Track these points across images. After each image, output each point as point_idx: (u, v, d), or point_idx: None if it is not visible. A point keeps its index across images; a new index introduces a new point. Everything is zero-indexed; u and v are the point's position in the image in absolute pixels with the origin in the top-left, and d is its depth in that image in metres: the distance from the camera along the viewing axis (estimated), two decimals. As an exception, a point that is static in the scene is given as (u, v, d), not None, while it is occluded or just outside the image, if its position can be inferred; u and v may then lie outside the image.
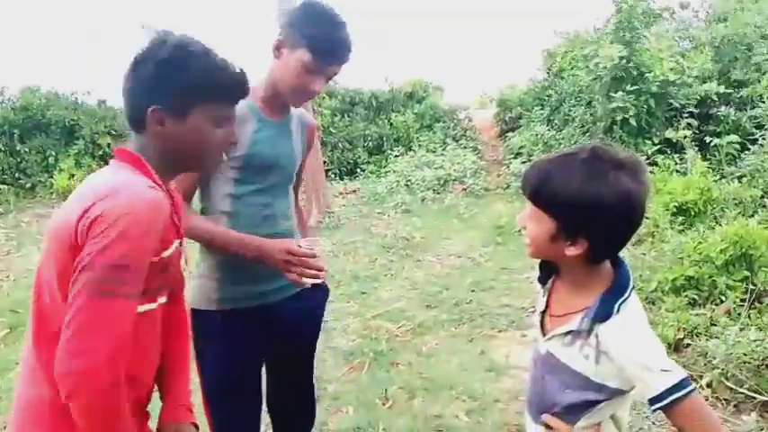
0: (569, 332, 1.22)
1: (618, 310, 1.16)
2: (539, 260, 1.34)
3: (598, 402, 1.22)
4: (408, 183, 9.07)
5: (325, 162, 9.01)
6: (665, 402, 1.10)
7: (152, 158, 1.26)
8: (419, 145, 10.65)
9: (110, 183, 1.16)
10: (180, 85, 1.22)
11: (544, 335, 1.30)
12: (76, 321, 1.06)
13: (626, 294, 1.18)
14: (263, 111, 1.78)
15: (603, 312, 1.17)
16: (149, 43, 1.25)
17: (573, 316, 1.22)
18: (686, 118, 6.95)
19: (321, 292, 1.98)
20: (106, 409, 1.10)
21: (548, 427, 1.27)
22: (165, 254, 1.22)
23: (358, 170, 10.73)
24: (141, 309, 1.19)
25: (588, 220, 1.14)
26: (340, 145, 10.86)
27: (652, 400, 1.12)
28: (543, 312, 1.33)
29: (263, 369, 1.97)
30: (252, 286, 1.78)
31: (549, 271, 1.34)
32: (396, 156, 10.42)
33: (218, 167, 1.54)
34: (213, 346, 1.77)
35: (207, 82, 1.24)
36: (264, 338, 1.81)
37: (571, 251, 1.17)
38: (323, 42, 1.65)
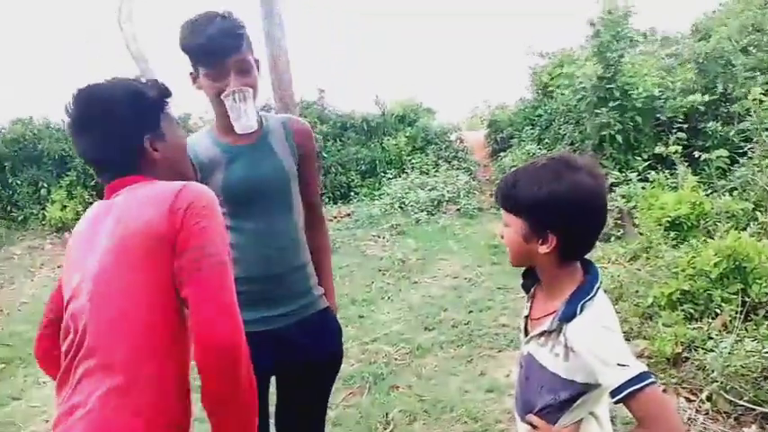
0: (542, 333, 1.32)
1: (581, 310, 1.26)
2: (523, 270, 1.45)
3: (572, 400, 1.29)
4: (402, 205, 9.10)
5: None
6: (622, 395, 1.18)
7: (153, 174, 1.37)
8: (412, 167, 10.70)
9: (170, 184, 1.29)
10: (148, 107, 1.36)
11: (526, 337, 1.41)
12: (223, 290, 1.19)
13: (591, 294, 1.28)
14: (228, 141, 1.77)
15: (569, 312, 1.27)
16: (80, 99, 1.32)
17: (547, 318, 1.33)
18: (675, 133, 7.03)
19: (330, 323, 1.97)
20: (248, 366, 1.20)
21: (533, 426, 1.35)
22: None
23: (351, 194, 10.76)
24: None
25: (553, 216, 1.26)
26: (333, 169, 10.89)
27: (612, 393, 1.20)
28: (527, 317, 1.44)
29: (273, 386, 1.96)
30: (257, 312, 1.77)
31: (532, 280, 1.44)
32: (389, 178, 10.46)
33: None
34: None
35: (158, 94, 1.37)
36: (269, 361, 1.77)
37: (543, 249, 1.28)
38: (204, 48, 1.66)
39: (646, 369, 1.20)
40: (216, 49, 1.66)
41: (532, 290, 1.45)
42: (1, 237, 9.68)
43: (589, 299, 1.27)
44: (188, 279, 1.19)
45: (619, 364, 1.19)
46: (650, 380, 1.19)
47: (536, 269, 1.39)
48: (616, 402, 1.21)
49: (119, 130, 1.32)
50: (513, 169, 1.38)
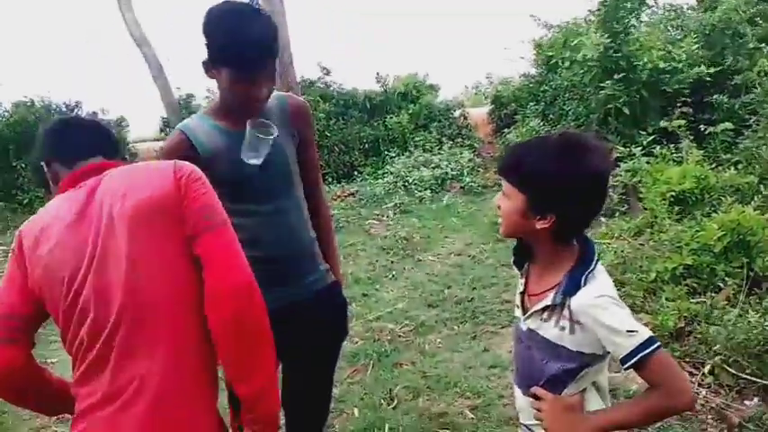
0: (545, 308, 1.33)
1: (585, 282, 1.27)
2: (514, 246, 1.46)
3: (578, 370, 1.32)
4: (406, 183, 9.08)
5: (321, 165, 8.99)
6: (634, 361, 1.21)
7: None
8: (415, 145, 10.66)
9: (165, 162, 1.38)
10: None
11: (524, 313, 1.40)
12: (221, 248, 1.28)
13: (591, 266, 1.29)
14: (228, 125, 1.75)
15: (572, 286, 1.28)
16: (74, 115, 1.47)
17: (547, 293, 1.33)
18: (680, 107, 6.96)
19: (336, 297, 1.99)
20: (266, 313, 1.30)
21: (536, 397, 1.36)
22: None
23: (355, 173, 10.75)
24: None
25: (558, 196, 1.25)
26: (336, 148, 10.87)
27: (623, 360, 1.22)
28: (523, 293, 1.44)
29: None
30: (265, 290, 1.77)
31: (523, 257, 1.45)
32: (392, 157, 10.43)
33: None
34: None
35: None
36: (276, 340, 1.77)
37: (540, 224, 1.28)
38: (239, 54, 1.59)
39: (652, 334, 1.23)
40: (252, 59, 1.61)
41: (526, 266, 1.44)
42: (6, 220, 9.74)
43: (590, 271, 1.28)
44: (201, 236, 1.26)
45: (628, 331, 1.21)
46: (658, 344, 1.22)
47: (529, 243, 1.39)
48: (626, 368, 1.24)
49: (111, 130, 1.57)
50: (521, 141, 1.37)
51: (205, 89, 11.58)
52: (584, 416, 1.31)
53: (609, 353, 1.29)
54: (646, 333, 1.22)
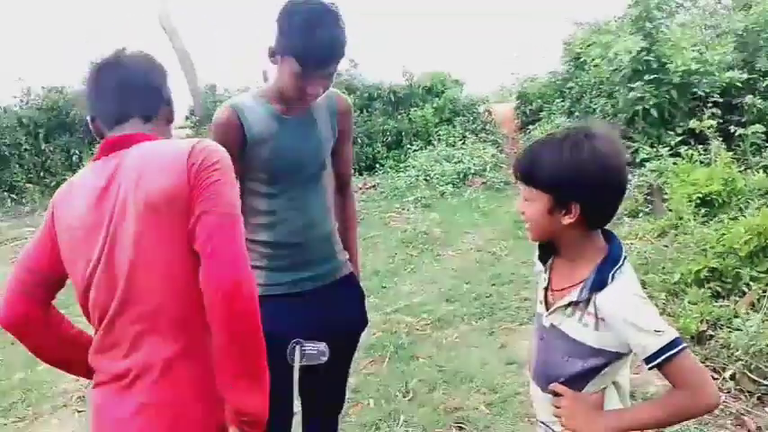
0: (570, 303, 1.31)
1: (612, 279, 1.26)
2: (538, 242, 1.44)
3: (600, 368, 1.30)
4: (428, 177, 9.05)
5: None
6: (658, 361, 1.20)
7: (163, 136, 1.42)
8: (438, 139, 10.61)
9: (182, 141, 1.33)
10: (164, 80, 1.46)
11: (547, 309, 1.39)
12: (231, 240, 1.21)
13: (619, 263, 1.28)
14: (280, 110, 1.79)
15: (599, 282, 1.27)
16: (116, 54, 1.41)
17: (572, 288, 1.31)
18: (710, 108, 6.83)
19: (353, 289, 2.03)
20: (255, 316, 1.21)
21: (556, 394, 1.35)
22: None
23: (377, 165, 10.74)
24: None
25: (576, 186, 1.25)
26: (359, 140, 10.85)
27: (648, 360, 1.21)
28: (546, 288, 1.42)
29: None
30: (285, 275, 1.83)
31: (547, 251, 1.43)
32: (415, 150, 10.39)
33: None
34: None
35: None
36: (292, 323, 1.80)
37: (567, 219, 1.27)
38: (309, 51, 1.63)
39: (678, 335, 1.22)
40: (324, 58, 1.67)
41: (549, 261, 1.43)
42: (35, 202, 9.92)
43: (618, 267, 1.27)
44: (199, 232, 1.21)
45: (655, 331, 1.20)
46: (684, 345, 1.21)
47: (555, 241, 1.38)
48: (651, 368, 1.22)
49: (150, 78, 1.42)
50: (530, 144, 1.37)
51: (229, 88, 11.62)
52: (605, 414, 1.30)
53: (631, 352, 1.28)
54: (672, 333, 1.21)
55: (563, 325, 1.34)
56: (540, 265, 1.46)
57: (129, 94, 1.38)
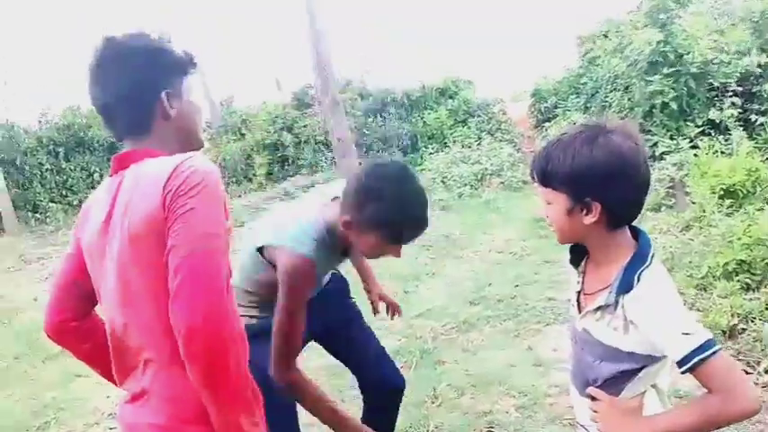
0: (599, 308, 1.28)
1: (639, 280, 1.21)
2: (570, 245, 1.41)
3: (635, 372, 1.27)
4: (445, 179, 9.04)
5: (360, 163, 9.03)
6: (690, 365, 1.14)
7: (168, 149, 1.28)
8: (454, 141, 10.59)
9: (173, 160, 1.19)
10: (172, 64, 1.30)
11: (580, 312, 1.36)
12: (196, 279, 1.10)
13: (647, 263, 1.23)
14: (332, 254, 1.86)
15: (626, 284, 1.22)
16: (100, 48, 1.27)
17: (601, 292, 1.28)
18: (729, 97, 6.73)
19: (342, 283, 2.27)
20: (222, 356, 1.11)
21: (593, 399, 1.32)
22: (228, 223, 1.25)
23: (393, 170, 10.74)
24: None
25: (592, 182, 1.21)
26: (374, 146, 10.89)
27: (679, 363, 1.16)
28: (579, 292, 1.39)
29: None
30: None
31: (579, 254, 1.40)
32: (431, 153, 10.39)
33: None
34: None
35: (182, 56, 1.32)
36: (317, 323, 1.97)
37: (588, 219, 1.24)
38: (404, 236, 1.70)
39: (711, 336, 1.16)
40: (421, 231, 1.73)
41: (583, 263, 1.40)
42: (59, 221, 10.08)
43: (645, 267, 1.22)
44: (169, 267, 1.12)
45: (683, 333, 1.15)
46: (717, 347, 1.15)
47: (584, 243, 1.35)
48: (683, 372, 1.17)
49: (137, 77, 1.26)
50: (543, 145, 1.33)
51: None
52: (641, 419, 1.27)
53: (660, 356, 1.25)
54: (703, 335, 1.15)
55: (593, 329, 1.31)
56: (572, 269, 1.43)
57: (111, 116, 1.30)
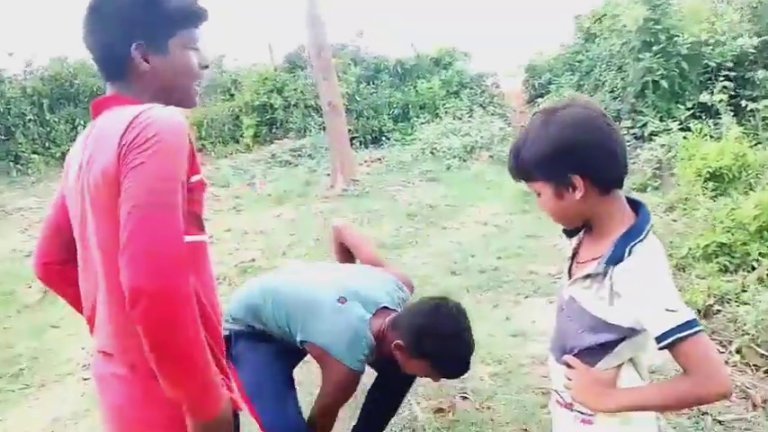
0: (588, 276, 1.28)
1: (630, 253, 1.21)
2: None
3: (614, 344, 1.26)
4: (434, 150, 8.99)
5: (350, 130, 8.96)
6: (668, 341, 1.14)
7: (137, 94, 1.23)
8: (445, 112, 10.50)
9: (132, 111, 1.13)
10: (158, 17, 1.23)
11: (569, 280, 1.36)
12: (137, 238, 1.04)
13: (640, 237, 1.23)
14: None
15: (617, 255, 1.22)
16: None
17: (593, 261, 1.28)
18: (722, 81, 6.72)
19: None
20: (180, 323, 1.05)
21: (569, 366, 1.32)
22: (194, 179, 1.20)
23: (383, 138, 10.66)
24: (201, 238, 1.24)
25: (561, 159, 1.22)
26: (365, 113, 10.77)
27: (657, 339, 1.16)
28: (572, 260, 1.39)
29: None
30: None
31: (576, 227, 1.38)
32: (421, 123, 10.30)
33: (197, 99, 1.37)
34: (247, 354, 2.07)
35: (179, 9, 1.25)
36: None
37: (578, 194, 1.23)
38: (450, 373, 2.07)
39: (694, 316, 1.15)
40: (464, 372, 2.08)
41: (581, 233, 1.38)
42: (41, 173, 9.93)
43: (639, 241, 1.22)
44: (121, 225, 1.06)
45: (667, 310, 1.14)
46: (698, 327, 1.14)
47: (586, 220, 1.33)
48: (661, 349, 1.16)
49: (112, 26, 1.22)
50: (513, 143, 1.34)
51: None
52: (612, 391, 1.28)
53: (641, 330, 1.24)
54: (686, 314, 1.14)
55: (580, 297, 1.30)
56: (566, 239, 1.43)
57: (95, 61, 1.27)
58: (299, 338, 1.98)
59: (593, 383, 1.28)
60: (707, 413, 2.59)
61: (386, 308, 2.07)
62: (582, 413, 1.33)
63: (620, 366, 1.29)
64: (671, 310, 1.14)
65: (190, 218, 1.19)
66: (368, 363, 2.01)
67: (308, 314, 1.97)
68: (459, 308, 2.00)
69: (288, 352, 2.08)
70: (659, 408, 1.27)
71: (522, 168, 1.29)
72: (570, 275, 1.37)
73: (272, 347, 2.06)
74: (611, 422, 1.30)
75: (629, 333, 1.24)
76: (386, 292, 2.13)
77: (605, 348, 1.27)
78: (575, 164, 1.22)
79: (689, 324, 1.13)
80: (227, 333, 2.01)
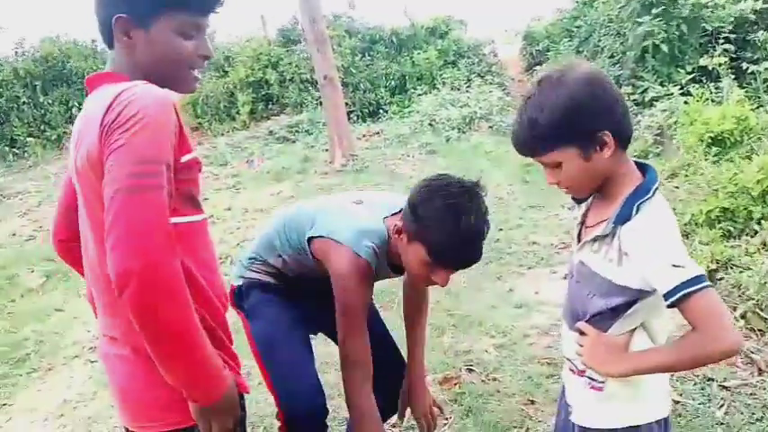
0: (596, 238, 1.27)
1: (638, 210, 1.19)
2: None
3: (626, 307, 1.25)
4: (433, 122, 8.90)
5: (346, 104, 8.88)
6: (677, 296, 1.12)
7: (128, 72, 1.20)
8: (443, 83, 10.38)
9: (116, 90, 1.10)
10: None
11: (579, 244, 1.35)
12: (119, 221, 1.01)
13: (648, 195, 1.21)
14: (389, 267, 1.80)
15: (625, 214, 1.21)
16: None
17: (602, 224, 1.26)
18: (722, 44, 6.63)
19: None
20: (168, 305, 1.03)
21: (582, 333, 1.31)
22: (185, 158, 1.17)
23: (380, 111, 10.57)
24: (196, 218, 1.21)
25: (587, 116, 1.18)
26: (361, 86, 10.65)
27: (665, 296, 1.14)
28: (581, 225, 1.38)
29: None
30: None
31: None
32: (419, 95, 10.19)
33: (195, 85, 1.31)
34: (262, 308, 1.93)
35: None
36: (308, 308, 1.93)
37: (608, 151, 1.20)
38: (451, 258, 1.60)
39: (702, 272, 1.14)
40: (468, 258, 1.63)
41: (590, 199, 1.36)
42: (37, 156, 9.88)
43: (646, 199, 1.20)
44: (108, 205, 1.03)
45: (673, 265, 1.13)
46: (706, 283, 1.13)
47: (606, 180, 1.30)
48: (669, 306, 1.15)
49: None
50: (514, 121, 1.27)
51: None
52: (623, 355, 1.27)
53: (651, 291, 1.22)
54: (694, 270, 1.13)
55: (589, 261, 1.29)
56: (573, 209, 1.42)
57: (98, 27, 1.23)
58: (306, 236, 1.78)
59: (606, 349, 1.27)
60: (712, 379, 2.60)
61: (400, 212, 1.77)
62: (592, 379, 1.33)
63: (632, 332, 1.28)
64: (677, 265, 1.13)
65: (182, 198, 1.16)
66: (379, 265, 1.73)
67: (318, 213, 1.82)
68: (476, 185, 1.66)
69: (305, 319, 1.94)
70: (672, 368, 1.27)
71: (542, 138, 1.22)
72: (580, 241, 1.36)
73: (290, 306, 1.91)
74: (622, 387, 1.30)
75: (640, 295, 1.23)
76: (402, 198, 1.82)
77: (617, 312, 1.26)
78: (602, 119, 1.19)
79: (696, 279, 1.12)
80: (240, 283, 1.95)
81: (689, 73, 6.80)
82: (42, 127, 10.44)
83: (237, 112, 10.71)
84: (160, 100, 1.10)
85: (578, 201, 1.38)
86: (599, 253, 1.27)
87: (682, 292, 1.12)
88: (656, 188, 1.23)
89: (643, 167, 1.28)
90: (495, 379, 2.81)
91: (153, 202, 1.03)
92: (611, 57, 8.22)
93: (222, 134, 10.20)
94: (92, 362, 3.43)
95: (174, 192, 1.11)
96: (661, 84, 6.78)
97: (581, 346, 1.31)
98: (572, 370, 1.40)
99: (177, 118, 1.14)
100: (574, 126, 1.19)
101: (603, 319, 1.28)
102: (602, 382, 1.32)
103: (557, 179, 1.28)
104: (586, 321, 1.31)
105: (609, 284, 1.25)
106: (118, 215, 1.01)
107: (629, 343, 1.28)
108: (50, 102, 10.41)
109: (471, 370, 2.91)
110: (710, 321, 1.13)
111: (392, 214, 1.78)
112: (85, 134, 1.12)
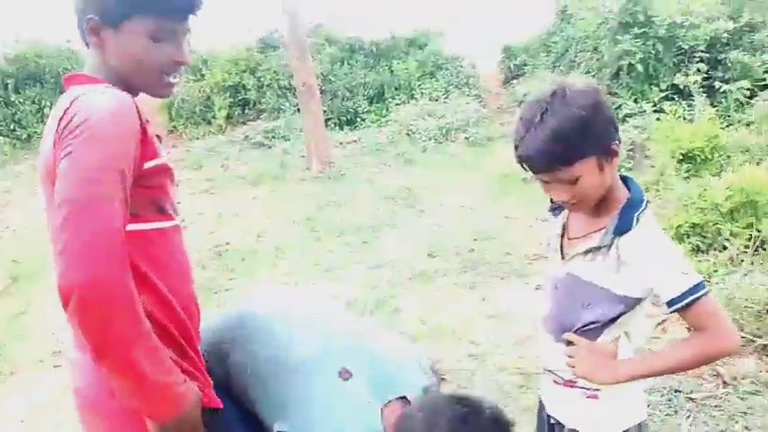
0: (590, 250, 1.28)
1: (637, 221, 1.23)
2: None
3: (617, 317, 1.29)
4: (410, 132, 8.93)
5: (324, 111, 8.85)
6: (684, 303, 1.19)
7: (101, 73, 1.19)
8: (421, 93, 10.42)
9: (76, 93, 1.09)
10: None
11: (563, 258, 1.36)
12: (64, 233, 0.97)
13: (643, 207, 1.25)
14: None
15: (624, 225, 1.24)
16: None
17: (593, 234, 1.29)
18: (696, 62, 6.78)
19: None
20: (114, 320, 0.98)
21: (569, 344, 1.33)
22: (148, 165, 1.13)
23: (358, 119, 10.57)
24: (162, 224, 1.18)
25: (604, 128, 1.21)
26: (339, 93, 10.64)
27: (671, 302, 1.20)
28: (561, 237, 1.39)
29: None
30: None
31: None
32: (397, 104, 10.22)
33: (169, 90, 1.26)
34: None
35: None
36: None
37: (616, 161, 1.24)
38: None
39: (702, 278, 1.21)
40: None
41: (566, 211, 1.39)
42: (6, 155, 9.66)
43: (642, 210, 1.24)
44: (56, 213, 1.00)
45: (682, 273, 1.19)
46: (707, 289, 1.20)
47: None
48: (673, 311, 1.21)
49: None
50: (528, 142, 1.20)
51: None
52: (621, 361, 1.29)
53: (645, 299, 1.28)
54: (697, 277, 1.20)
55: (582, 272, 1.30)
56: (550, 216, 1.43)
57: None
58: (275, 429, 1.38)
59: (600, 357, 1.29)
60: (679, 391, 2.64)
61: (404, 398, 1.40)
62: (586, 389, 1.35)
63: (617, 339, 1.32)
64: (685, 273, 1.19)
65: (146, 204, 1.14)
66: None
67: (291, 389, 1.38)
68: (498, 419, 1.27)
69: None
70: (672, 370, 1.33)
71: (571, 148, 1.18)
72: (563, 253, 1.36)
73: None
74: (616, 393, 1.32)
75: (634, 303, 1.27)
76: (409, 370, 1.47)
77: (609, 321, 1.29)
78: (612, 130, 1.23)
79: (701, 284, 1.19)
80: None
81: (662, 91, 6.94)
82: (12, 126, 10.22)
83: (214, 117, 10.61)
84: (115, 107, 1.06)
85: (555, 213, 1.40)
86: (594, 263, 1.28)
87: (689, 298, 1.18)
88: (647, 200, 1.28)
89: (623, 179, 1.31)
90: (467, 389, 2.81)
91: (100, 211, 0.98)
92: (587, 72, 8.34)
93: (198, 138, 10.09)
94: (55, 366, 3.35)
95: (138, 198, 1.08)
96: (635, 101, 6.90)
97: (570, 357, 1.31)
98: (557, 382, 1.40)
99: (141, 123, 1.10)
100: (598, 137, 1.21)
101: (594, 329, 1.30)
102: (597, 390, 1.34)
103: (570, 195, 1.24)
104: (574, 332, 1.32)
105: (607, 294, 1.27)
106: (63, 226, 0.97)
107: (617, 350, 1.31)
108: (21, 101, 10.20)
109: (444, 379, 2.91)
110: (716, 323, 1.21)
111: (396, 398, 1.40)
112: (47, 136, 1.10)
